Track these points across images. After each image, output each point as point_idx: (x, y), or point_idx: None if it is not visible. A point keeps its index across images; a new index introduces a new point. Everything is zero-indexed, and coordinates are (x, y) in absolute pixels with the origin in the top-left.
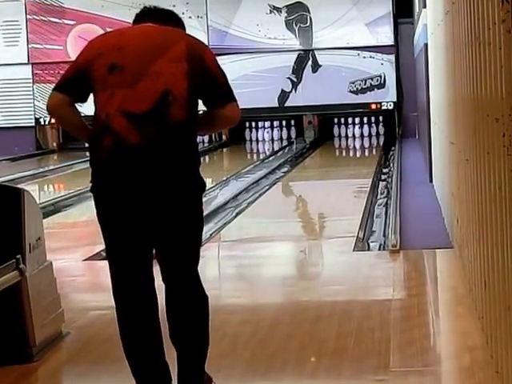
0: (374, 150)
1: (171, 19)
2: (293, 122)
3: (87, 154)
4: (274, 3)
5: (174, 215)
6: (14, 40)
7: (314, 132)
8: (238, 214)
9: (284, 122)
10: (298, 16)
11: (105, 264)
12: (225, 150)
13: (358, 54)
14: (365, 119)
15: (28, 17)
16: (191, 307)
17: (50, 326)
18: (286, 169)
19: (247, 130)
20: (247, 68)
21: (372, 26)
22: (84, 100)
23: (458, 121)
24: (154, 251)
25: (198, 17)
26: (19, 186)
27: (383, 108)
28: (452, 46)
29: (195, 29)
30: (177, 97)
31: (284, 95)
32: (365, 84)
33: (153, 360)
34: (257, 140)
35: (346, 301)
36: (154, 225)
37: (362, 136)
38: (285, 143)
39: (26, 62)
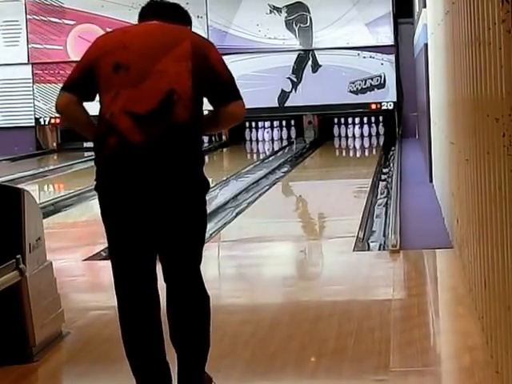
0: (374, 150)
1: (177, 15)
2: (293, 122)
3: (86, 154)
4: (273, 3)
5: (177, 214)
6: (14, 40)
7: (314, 132)
8: (238, 214)
9: (284, 122)
10: (298, 16)
11: (105, 264)
12: (225, 149)
13: (358, 54)
14: (365, 119)
15: (28, 17)
16: (192, 307)
17: (49, 326)
18: (286, 169)
19: (247, 129)
20: (247, 68)
21: (372, 26)
22: (92, 98)
23: (458, 121)
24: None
25: (198, 17)
26: (19, 185)
27: (383, 108)
28: (452, 46)
29: (195, 29)
30: (181, 96)
31: (284, 95)
32: (365, 84)
33: (153, 360)
34: (257, 140)
35: (345, 301)
36: (158, 224)
37: (362, 136)
38: (285, 143)
39: (26, 62)
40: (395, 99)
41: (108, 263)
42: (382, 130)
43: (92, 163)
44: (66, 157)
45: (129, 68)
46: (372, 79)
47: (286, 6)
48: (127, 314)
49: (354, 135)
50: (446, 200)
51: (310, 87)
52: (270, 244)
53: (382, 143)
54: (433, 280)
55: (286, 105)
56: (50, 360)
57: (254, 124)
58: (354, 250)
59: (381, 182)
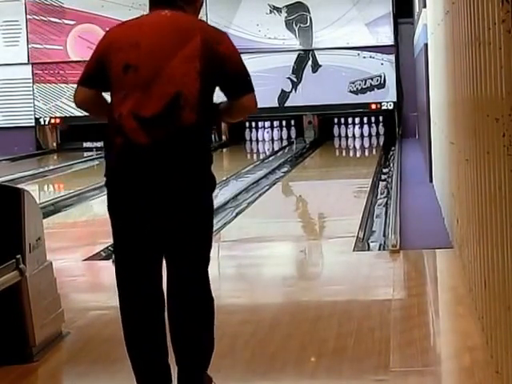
0: (374, 150)
1: (188, 2)
2: (293, 122)
3: (86, 154)
4: (273, 3)
5: (181, 217)
6: (14, 40)
7: (314, 132)
8: (238, 214)
9: (284, 122)
10: (298, 16)
11: (105, 264)
12: (225, 150)
13: (358, 54)
14: (365, 119)
15: (28, 17)
16: (193, 310)
17: (50, 326)
18: (286, 169)
19: (247, 129)
20: (247, 68)
21: (372, 26)
22: (108, 89)
23: (458, 121)
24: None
25: None
26: (19, 185)
27: (383, 108)
28: (452, 46)
29: None
30: (188, 99)
31: (284, 95)
32: (365, 84)
33: (154, 359)
34: (257, 140)
35: (346, 301)
36: (162, 226)
37: (362, 136)
38: (285, 143)
39: (26, 62)
40: (395, 99)
41: (108, 263)
42: (382, 129)
43: (92, 163)
44: (66, 157)
45: (138, 70)
46: (372, 79)
47: (286, 6)
48: (127, 312)
49: (354, 135)
50: (445, 200)
51: (309, 87)
52: (269, 244)
53: (382, 143)
54: (433, 280)
55: (286, 105)
56: (49, 360)
57: (254, 124)
58: (353, 250)
59: (381, 182)
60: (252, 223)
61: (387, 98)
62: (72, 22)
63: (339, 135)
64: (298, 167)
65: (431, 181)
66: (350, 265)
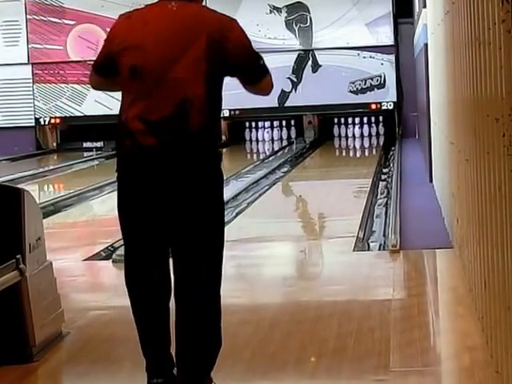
0: (374, 150)
1: None
2: (293, 122)
3: (86, 154)
4: (273, 3)
5: (188, 219)
6: (14, 40)
7: (314, 132)
8: (238, 214)
9: (284, 122)
10: (298, 16)
11: (105, 264)
12: (225, 150)
13: (358, 54)
14: (365, 119)
15: (28, 17)
16: (191, 310)
17: (50, 326)
18: (286, 169)
19: (247, 129)
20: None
21: (372, 26)
22: (118, 75)
23: (458, 121)
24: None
25: None
26: (19, 185)
27: (383, 108)
28: (452, 46)
29: None
30: (195, 103)
31: (284, 95)
32: (365, 84)
33: (160, 347)
34: (257, 140)
35: (346, 301)
36: (169, 227)
37: (362, 136)
38: (285, 143)
39: (26, 62)
40: (395, 99)
41: (108, 263)
42: (382, 129)
43: (92, 163)
44: (66, 157)
45: (144, 75)
46: (372, 79)
47: (286, 6)
48: (135, 310)
49: (354, 135)
50: (445, 200)
51: (309, 87)
52: (269, 244)
53: (382, 143)
54: (433, 280)
55: (286, 105)
56: (50, 360)
57: (254, 124)
58: (354, 250)
59: (381, 182)
60: (252, 223)
61: (387, 97)
62: (72, 22)
63: (339, 135)
64: (297, 167)
65: (431, 181)
66: (350, 265)
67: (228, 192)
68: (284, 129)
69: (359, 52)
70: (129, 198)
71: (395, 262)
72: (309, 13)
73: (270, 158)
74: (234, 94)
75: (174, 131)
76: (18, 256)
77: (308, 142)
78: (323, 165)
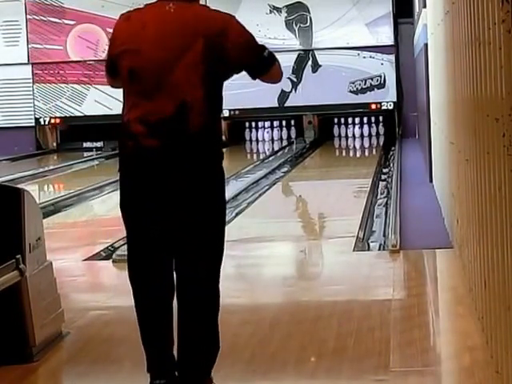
0: (374, 150)
1: None
2: (293, 122)
3: (86, 154)
4: (273, 3)
5: (188, 219)
6: (14, 40)
7: (314, 132)
8: (237, 214)
9: (284, 122)
10: (298, 16)
11: (105, 264)
12: (225, 150)
13: (358, 54)
14: (365, 119)
15: (28, 17)
16: (191, 310)
17: (50, 326)
18: (286, 169)
19: (247, 129)
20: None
21: (372, 26)
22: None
23: (458, 121)
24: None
25: None
26: (19, 185)
27: (383, 108)
28: (452, 46)
29: None
30: (194, 106)
31: (284, 95)
32: (365, 84)
33: (163, 348)
34: (257, 140)
35: (346, 301)
36: (171, 227)
37: (362, 136)
38: (285, 143)
39: (26, 62)
40: (395, 99)
41: (108, 263)
42: (382, 130)
43: (92, 163)
44: (66, 157)
45: (142, 79)
46: (372, 79)
47: (286, 6)
48: (138, 310)
49: (353, 135)
50: (446, 200)
51: (309, 87)
52: (269, 244)
53: (382, 143)
54: (433, 280)
55: (286, 105)
56: (50, 360)
57: (253, 124)
58: (354, 250)
59: (381, 182)
60: (252, 223)
61: (387, 97)
62: (72, 22)
63: (339, 135)
64: (297, 167)
65: (431, 181)
66: (350, 265)
67: (228, 192)
68: (284, 129)
69: (359, 52)
70: (131, 198)
71: (395, 262)
72: (309, 13)
73: (270, 158)
74: (234, 94)
75: (174, 133)
76: (18, 256)
77: (308, 142)
78: (323, 165)
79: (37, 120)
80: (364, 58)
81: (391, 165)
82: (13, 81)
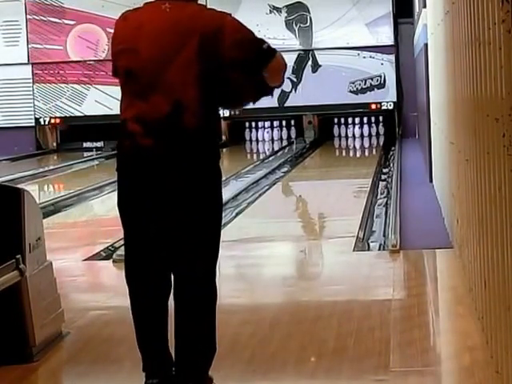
0: (374, 150)
1: None
2: (293, 122)
3: (86, 154)
4: (273, 3)
5: (183, 217)
6: (14, 40)
7: (314, 132)
8: (238, 214)
9: (284, 122)
10: (297, 16)
11: (105, 264)
12: (225, 150)
13: (358, 54)
14: (365, 119)
15: (28, 17)
16: (189, 309)
17: (50, 326)
18: (286, 169)
19: (247, 130)
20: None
21: (372, 26)
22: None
23: (458, 121)
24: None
25: None
26: (19, 185)
27: (383, 108)
28: (452, 46)
29: None
30: (189, 106)
31: (284, 95)
32: (365, 84)
33: (159, 348)
34: (257, 140)
35: (345, 301)
36: (167, 226)
37: (362, 136)
38: (285, 143)
39: (26, 62)
40: (395, 99)
41: (108, 263)
42: (381, 130)
43: (92, 163)
44: (66, 157)
45: (138, 78)
46: (372, 79)
47: (286, 6)
48: (134, 310)
49: (354, 135)
50: (446, 200)
51: (309, 87)
52: (269, 244)
53: (382, 143)
54: (433, 280)
55: (286, 105)
56: (50, 360)
57: (253, 124)
58: (354, 250)
59: (381, 182)
60: (252, 223)
61: (387, 98)
62: (72, 22)
63: (339, 135)
64: (297, 167)
65: (431, 181)
66: (350, 265)
67: (228, 192)
68: (284, 129)
69: (359, 52)
70: (128, 198)
71: (395, 261)
72: (309, 13)
73: (270, 158)
74: None
75: (169, 132)
76: (18, 256)
77: (308, 142)
78: (323, 165)
79: (37, 120)
80: (364, 58)
81: (391, 165)
82: (13, 81)
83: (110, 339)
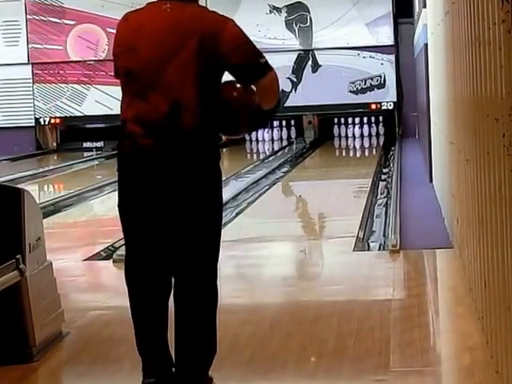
0: (374, 150)
1: None
2: (293, 122)
3: (86, 154)
4: (273, 3)
5: (182, 217)
6: (14, 40)
7: (314, 132)
8: (238, 214)
9: (284, 122)
10: (297, 16)
11: (105, 264)
12: (224, 150)
13: (358, 54)
14: (365, 119)
15: (28, 17)
16: (188, 309)
17: (49, 326)
18: (285, 169)
19: None
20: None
21: (372, 26)
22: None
23: (458, 121)
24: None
25: None
26: (19, 185)
27: (383, 108)
28: (452, 46)
29: None
30: (187, 106)
31: (284, 95)
32: (365, 84)
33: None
34: (257, 140)
35: (346, 301)
36: (167, 226)
37: (361, 136)
38: (285, 143)
39: (26, 62)
40: (395, 99)
41: (108, 263)
42: (381, 130)
43: (92, 163)
44: (66, 157)
45: (137, 78)
46: (372, 79)
47: (286, 6)
48: (133, 311)
49: (354, 135)
50: (446, 200)
51: (309, 87)
52: (269, 244)
53: (382, 143)
54: (433, 280)
55: (286, 105)
56: (50, 360)
57: None
58: (354, 250)
59: (381, 182)
60: (252, 223)
61: (387, 98)
62: (72, 22)
63: (339, 135)
64: (297, 167)
65: (431, 181)
66: (350, 265)
67: (228, 192)
68: (284, 129)
69: (359, 52)
70: (128, 197)
71: (395, 261)
72: (309, 13)
73: (270, 158)
74: None
75: (168, 132)
76: (18, 256)
77: (308, 142)
78: (323, 165)
79: (37, 120)
80: (364, 58)
81: (391, 165)
82: (13, 81)
83: (110, 339)
